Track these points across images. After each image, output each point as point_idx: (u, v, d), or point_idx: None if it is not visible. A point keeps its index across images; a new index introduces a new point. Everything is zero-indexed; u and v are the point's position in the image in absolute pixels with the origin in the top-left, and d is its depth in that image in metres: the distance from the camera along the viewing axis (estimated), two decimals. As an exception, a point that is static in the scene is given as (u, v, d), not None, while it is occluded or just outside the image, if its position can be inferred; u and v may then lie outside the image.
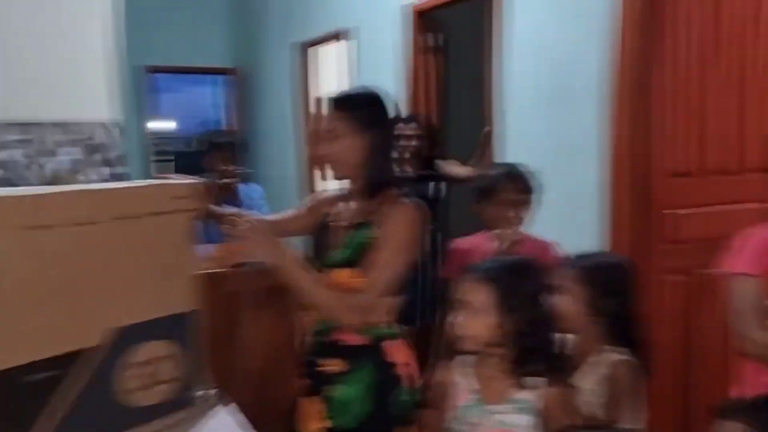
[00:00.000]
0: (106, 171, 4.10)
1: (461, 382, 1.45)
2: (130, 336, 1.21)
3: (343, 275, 1.53)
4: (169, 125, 9.73)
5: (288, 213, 1.77)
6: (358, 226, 1.59)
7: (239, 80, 6.63)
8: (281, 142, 5.55)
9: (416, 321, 3.22)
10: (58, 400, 1.11)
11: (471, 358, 1.45)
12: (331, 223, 1.67)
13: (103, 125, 4.09)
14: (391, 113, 1.62)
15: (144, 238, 1.22)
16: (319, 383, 1.60)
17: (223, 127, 7.68)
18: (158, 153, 6.97)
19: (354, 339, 1.56)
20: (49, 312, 1.10)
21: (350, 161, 1.56)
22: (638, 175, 2.50)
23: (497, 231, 2.08)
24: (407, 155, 3.41)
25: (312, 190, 4.95)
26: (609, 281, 1.54)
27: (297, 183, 5.29)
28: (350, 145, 1.54)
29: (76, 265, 1.13)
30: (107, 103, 4.11)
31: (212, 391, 1.40)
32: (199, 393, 1.33)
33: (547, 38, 2.86)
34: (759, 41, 2.64)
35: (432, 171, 3.41)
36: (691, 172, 2.59)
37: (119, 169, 4.19)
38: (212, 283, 1.44)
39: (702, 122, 2.57)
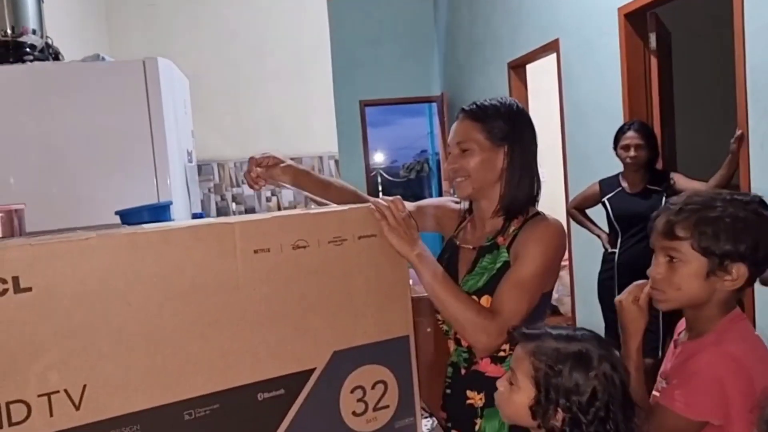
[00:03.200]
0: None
1: None
2: (351, 359, 1.18)
3: (483, 303, 1.36)
4: (378, 156, 10.27)
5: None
6: (489, 249, 1.42)
7: (444, 106, 6.71)
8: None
9: (659, 351, 2.89)
10: (289, 417, 1.13)
11: None
12: (460, 245, 1.49)
13: (320, 158, 4.37)
14: (528, 126, 1.41)
15: (359, 260, 1.19)
16: (458, 416, 1.46)
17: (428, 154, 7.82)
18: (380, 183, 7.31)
19: (492, 371, 1.40)
20: (279, 332, 1.13)
21: (482, 178, 1.39)
22: None
23: None
24: (630, 166, 3.13)
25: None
26: None
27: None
28: (483, 160, 1.37)
29: (299, 287, 1.14)
30: (326, 138, 4.40)
31: (426, 420, 1.34)
32: (409, 421, 1.26)
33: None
34: None
35: (660, 186, 3.08)
36: None
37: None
38: (421, 308, 1.38)
39: None
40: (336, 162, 4.43)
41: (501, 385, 1.12)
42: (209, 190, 4.17)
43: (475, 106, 1.42)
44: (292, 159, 4.87)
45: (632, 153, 3.07)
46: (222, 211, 4.18)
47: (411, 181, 11.24)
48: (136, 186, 1.79)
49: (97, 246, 1.01)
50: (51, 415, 0.96)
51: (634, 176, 3.13)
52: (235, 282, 1.09)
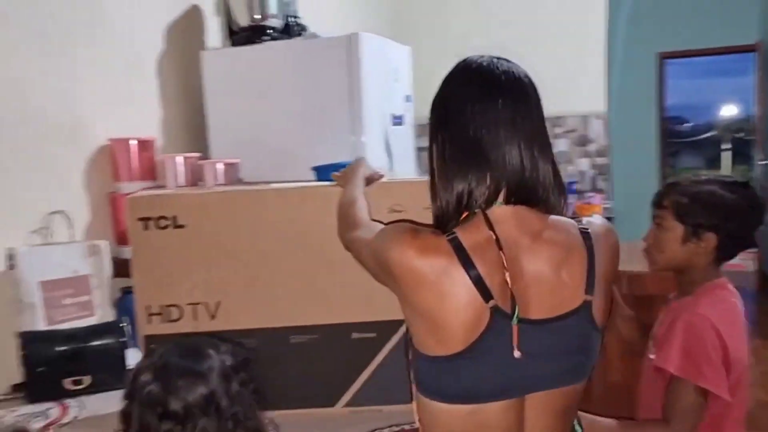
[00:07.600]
0: (584, 162, 4.24)
1: None
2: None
3: None
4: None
5: None
6: None
7: (761, 56, 5.72)
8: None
9: None
10: (378, 358, 1.31)
11: None
12: None
13: (583, 118, 4.21)
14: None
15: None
16: None
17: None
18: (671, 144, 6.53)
19: None
20: (377, 283, 1.29)
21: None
22: None
23: None
24: None
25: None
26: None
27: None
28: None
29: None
30: (593, 96, 4.22)
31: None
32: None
33: None
34: None
35: None
36: None
37: (599, 160, 4.26)
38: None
39: None
40: (603, 122, 4.22)
41: None
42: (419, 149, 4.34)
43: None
44: (558, 118, 4.68)
45: None
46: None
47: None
48: (334, 146, 2.08)
49: (233, 197, 1.30)
50: (195, 319, 1.30)
51: None
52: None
